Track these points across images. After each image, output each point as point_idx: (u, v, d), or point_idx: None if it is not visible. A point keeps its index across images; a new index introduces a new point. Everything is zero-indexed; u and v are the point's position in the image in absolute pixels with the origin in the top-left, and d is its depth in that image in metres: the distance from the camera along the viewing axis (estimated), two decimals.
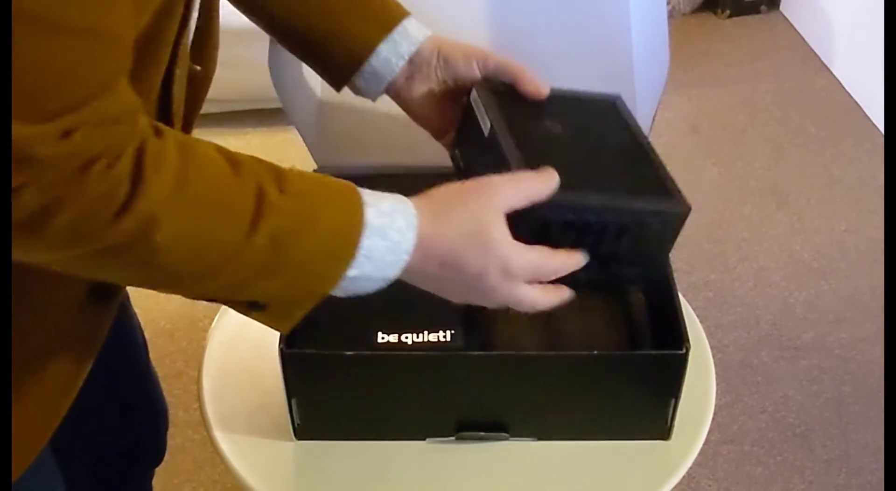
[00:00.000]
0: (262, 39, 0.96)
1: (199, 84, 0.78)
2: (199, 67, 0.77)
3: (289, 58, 0.90)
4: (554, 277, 0.74)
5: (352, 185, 0.69)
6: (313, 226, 0.65)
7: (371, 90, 0.88)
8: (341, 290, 0.69)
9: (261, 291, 0.67)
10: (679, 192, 0.79)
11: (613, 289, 0.80)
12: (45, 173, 0.54)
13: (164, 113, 0.71)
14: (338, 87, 0.89)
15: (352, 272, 0.67)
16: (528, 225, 0.73)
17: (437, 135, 0.90)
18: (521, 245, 0.72)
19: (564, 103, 0.86)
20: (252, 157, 0.65)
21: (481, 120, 0.81)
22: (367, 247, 0.67)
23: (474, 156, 0.85)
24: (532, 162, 0.75)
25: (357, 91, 0.89)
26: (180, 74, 0.70)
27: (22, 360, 0.70)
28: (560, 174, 0.74)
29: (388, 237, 0.68)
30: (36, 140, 0.53)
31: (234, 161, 0.63)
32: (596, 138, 0.85)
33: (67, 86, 0.54)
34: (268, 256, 0.64)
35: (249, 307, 0.69)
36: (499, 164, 0.76)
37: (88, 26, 0.53)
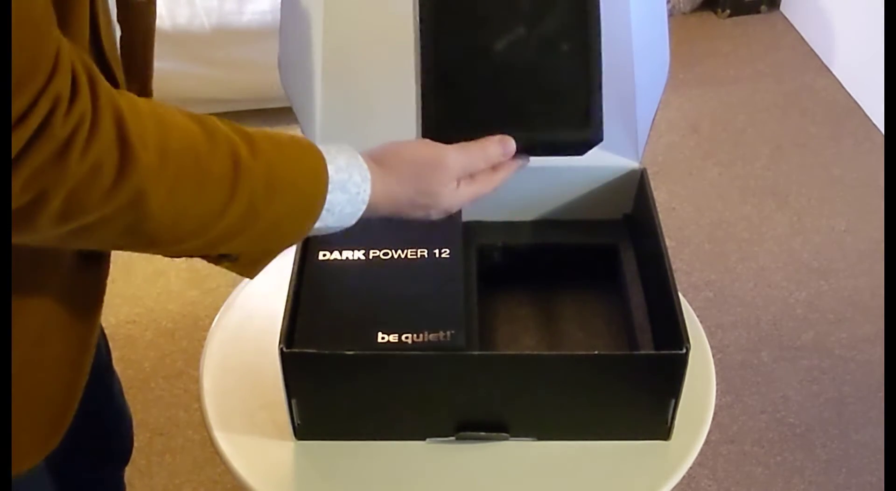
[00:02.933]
0: (264, 40, 0.96)
1: (138, 15, 0.79)
2: None
3: (299, 56, 0.90)
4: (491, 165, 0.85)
5: (310, 142, 0.74)
6: (284, 187, 0.69)
7: None
8: (301, 237, 0.75)
9: (234, 247, 0.71)
10: (597, 120, 0.87)
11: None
12: (21, 169, 0.53)
13: (98, 61, 0.68)
14: None
15: (316, 225, 0.73)
16: None
17: None
18: (455, 188, 0.82)
19: None
20: (219, 121, 0.67)
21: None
22: (330, 201, 0.73)
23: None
24: (442, 101, 0.86)
25: None
26: (105, 22, 0.69)
27: (30, 340, 0.70)
28: (472, 100, 0.85)
29: (348, 190, 0.74)
30: None
31: (206, 128, 0.65)
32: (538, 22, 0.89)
33: None
34: (244, 218, 0.67)
35: (220, 258, 0.73)
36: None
37: None
